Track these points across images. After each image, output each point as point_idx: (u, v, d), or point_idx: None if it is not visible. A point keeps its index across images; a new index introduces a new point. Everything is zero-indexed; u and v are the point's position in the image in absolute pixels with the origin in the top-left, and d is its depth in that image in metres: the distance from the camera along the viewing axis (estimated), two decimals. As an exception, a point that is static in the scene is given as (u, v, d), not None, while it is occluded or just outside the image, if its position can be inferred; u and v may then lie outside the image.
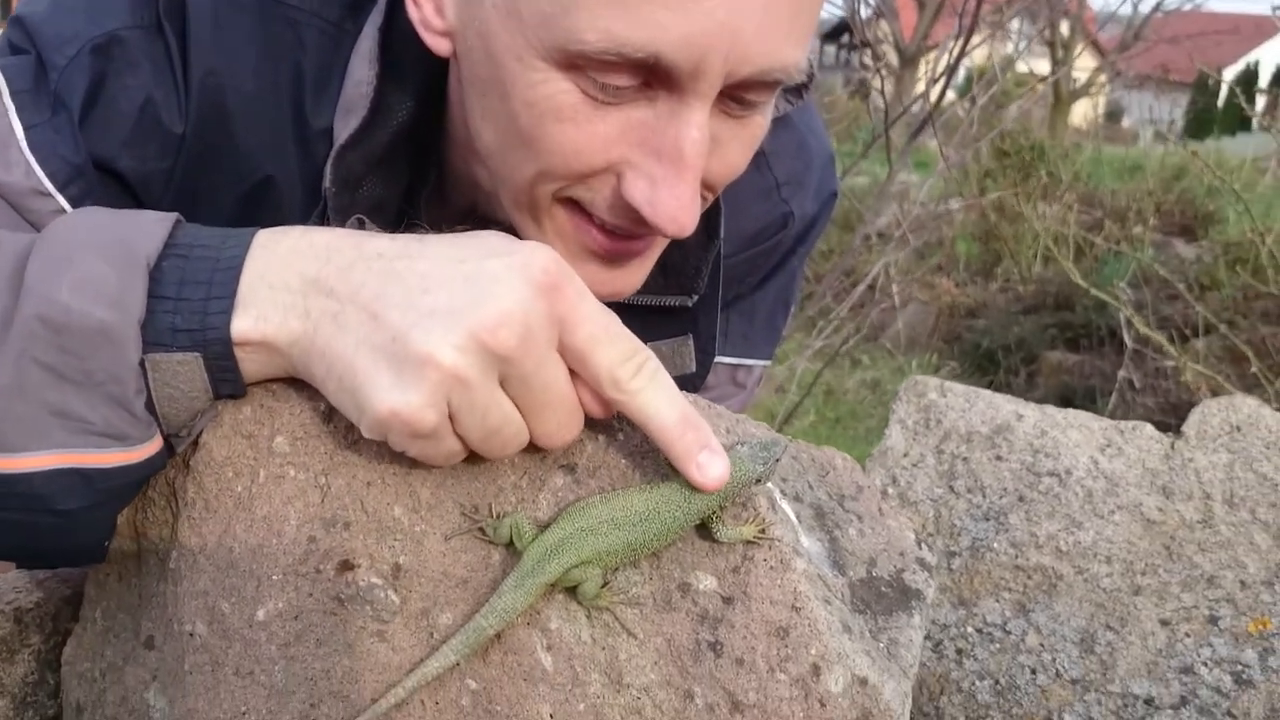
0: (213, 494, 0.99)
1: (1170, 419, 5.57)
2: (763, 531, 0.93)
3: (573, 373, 0.90)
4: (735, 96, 1.03)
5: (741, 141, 1.10)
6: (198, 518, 0.99)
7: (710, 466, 0.89)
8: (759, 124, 1.10)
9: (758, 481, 0.93)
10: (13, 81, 1.13)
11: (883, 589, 1.00)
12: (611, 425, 0.98)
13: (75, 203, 1.12)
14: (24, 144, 1.10)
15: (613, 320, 0.89)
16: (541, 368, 0.87)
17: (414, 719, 0.93)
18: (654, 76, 0.98)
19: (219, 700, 0.94)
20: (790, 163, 1.44)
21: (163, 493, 1.03)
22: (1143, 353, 5.94)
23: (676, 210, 1.03)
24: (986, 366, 7.44)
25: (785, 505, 0.98)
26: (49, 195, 1.11)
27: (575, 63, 0.98)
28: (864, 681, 0.90)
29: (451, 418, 0.87)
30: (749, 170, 1.16)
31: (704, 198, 1.14)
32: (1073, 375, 6.76)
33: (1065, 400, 6.50)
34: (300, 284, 0.90)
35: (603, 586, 0.92)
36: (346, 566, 0.94)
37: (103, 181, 1.15)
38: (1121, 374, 6.05)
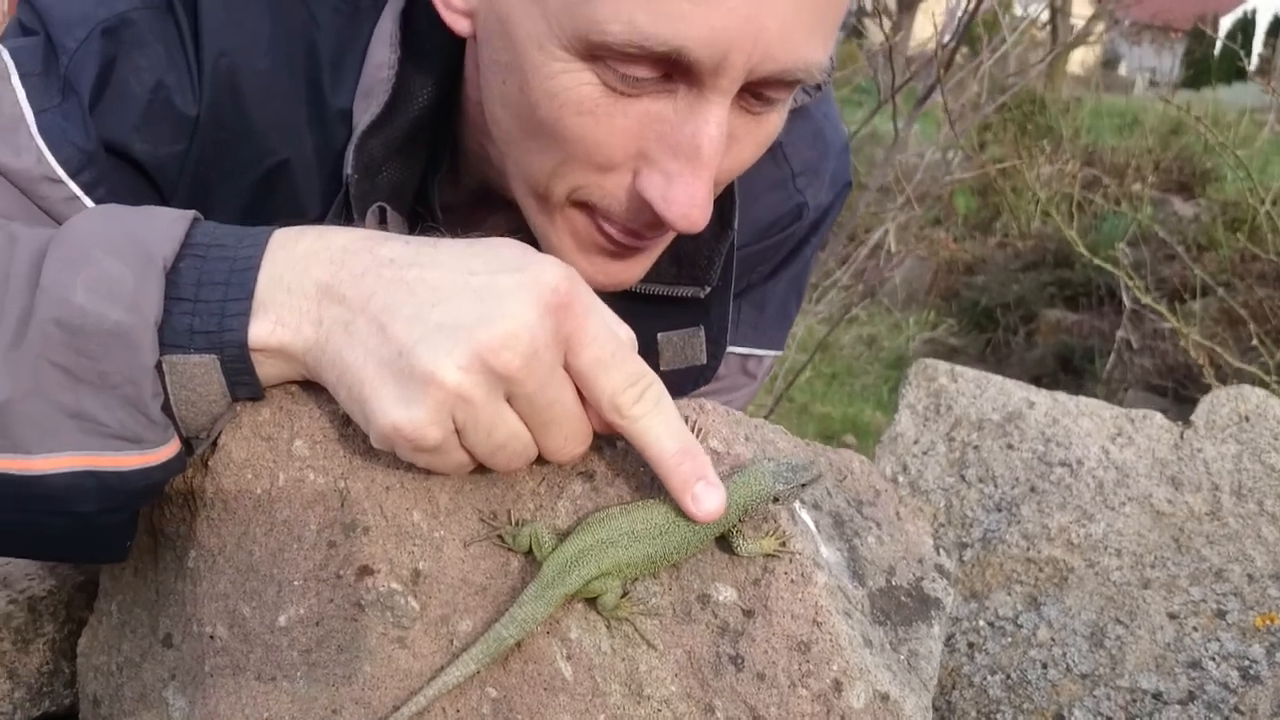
0: (232, 495, 0.98)
1: (1167, 382, 5.59)
2: (783, 544, 0.93)
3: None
4: (755, 93, 1.02)
5: (755, 139, 1.09)
6: (217, 519, 0.99)
7: (705, 499, 0.88)
8: (774, 122, 1.09)
9: (775, 500, 0.92)
10: (22, 64, 1.11)
11: (902, 599, 1.00)
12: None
13: (88, 189, 1.11)
14: (34, 129, 1.09)
15: (620, 344, 0.88)
16: (546, 388, 0.86)
17: (434, 726, 0.93)
18: (675, 70, 0.97)
19: (241, 704, 0.95)
20: (806, 153, 1.43)
21: (180, 490, 1.03)
22: (1141, 313, 5.94)
23: (689, 207, 1.02)
24: (985, 324, 7.43)
25: (805, 515, 0.98)
26: (61, 182, 1.09)
27: (596, 53, 0.96)
28: (885, 697, 0.90)
29: (458, 432, 0.87)
30: (765, 160, 1.15)
31: None
32: (1071, 335, 6.75)
33: (1063, 360, 6.51)
34: (315, 290, 0.89)
35: (622, 597, 0.92)
36: (366, 572, 0.94)
37: (116, 167, 1.14)
38: (1120, 334, 6.05)
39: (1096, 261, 3.86)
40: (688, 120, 0.99)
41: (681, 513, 0.90)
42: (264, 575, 0.96)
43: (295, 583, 0.95)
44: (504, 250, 0.90)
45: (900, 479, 1.52)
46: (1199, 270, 5.43)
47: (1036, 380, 6.65)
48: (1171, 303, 5.87)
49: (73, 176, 1.09)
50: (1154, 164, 9.34)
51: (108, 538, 0.99)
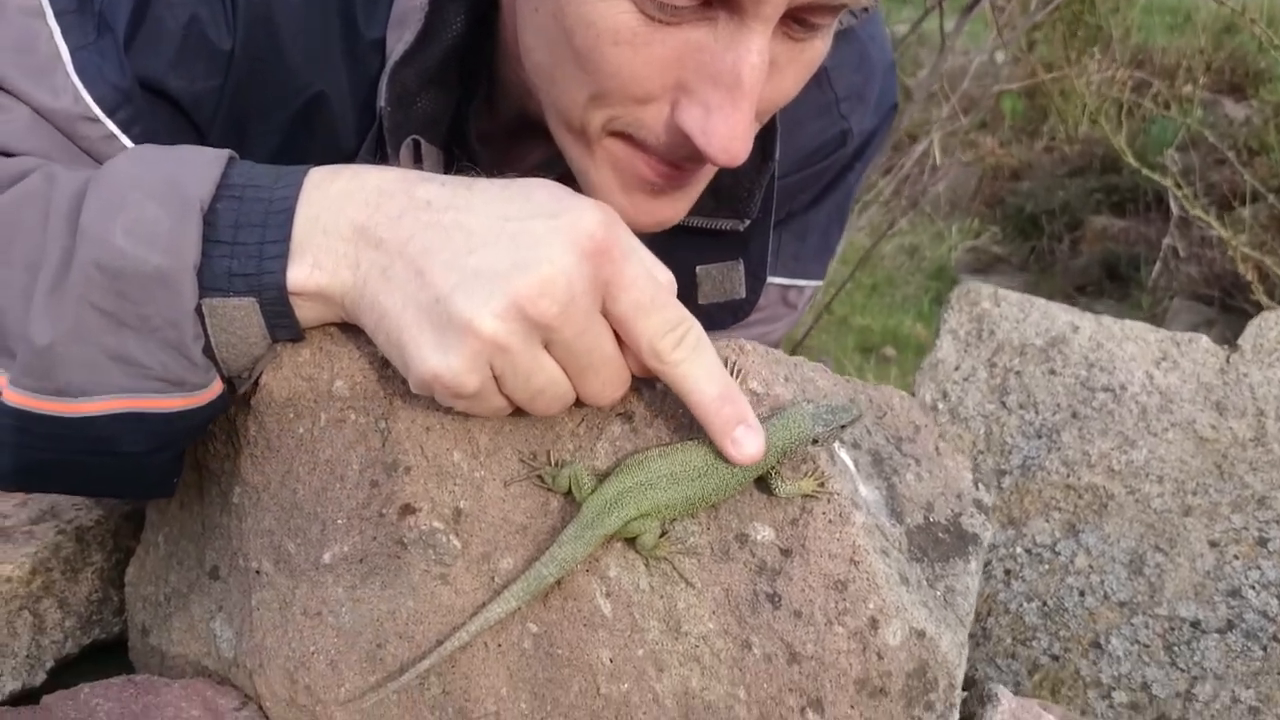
0: (274, 434, 1.00)
1: (1214, 291, 5.51)
2: (821, 485, 0.93)
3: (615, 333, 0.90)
4: (799, 19, 1.00)
5: (798, 66, 1.06)
6: (260, 456, 1.01)
7: (745, 443, 0.88)
8: (818, 49, 1.06)
9: (814, 442, 0.92)
10: (57, 1, 1.10)
11: (940, 535, 1.01)
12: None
13: (125, 127, 1.11)
14: (70, 68, 1.08)
15: (659, 288, 0.88)
16: (584, 334, 0.86)
17: (478, 660, 0.95)
18: None
19: (287, 638, 0.97)
20: (851, 77, 1.40)
21: (223, 427, 1.04)
22: (1189, 220, 5.84)
23: (729, 139, 1.00)
24: (1029, 232, 7.28)
25: (844, 455, 0.98)
26: (98, 121, 1.09)
27: None
28: (921, 634, 0.91)
29: (496, 379, 0.87)
30: (808, 85, 1.12)
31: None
32: (1117, 242, 6.62)
33: (1109, 268, 6.41)
34: (351, 232, 0.89)
35: (661, 536, 0.93)
36: (408, 510, 0.95)
37: (152, 104, 1.13)
38: (1166, 242, 5.96)
39: (1145, 172, 3.78)
40: (728, 49, 0.97)
41: (721, 455, 0.91)
42: (308, 513, 0.98)
43: (339, 521, 0.96)
44: (539, 193, 0.89)
45: (940, 406, 1.51)
46: (1249, 176, 5.33)
47: (1081, 289, 6.55)
48: (1220, 209, 5.77)
49: (109, 115, 1.09)
50: (1205, 65, 9.10)
51: (155, 476, 1.01)
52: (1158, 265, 5.90)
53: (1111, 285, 6.29)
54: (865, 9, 1.27)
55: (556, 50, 1.03)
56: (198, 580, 1.08)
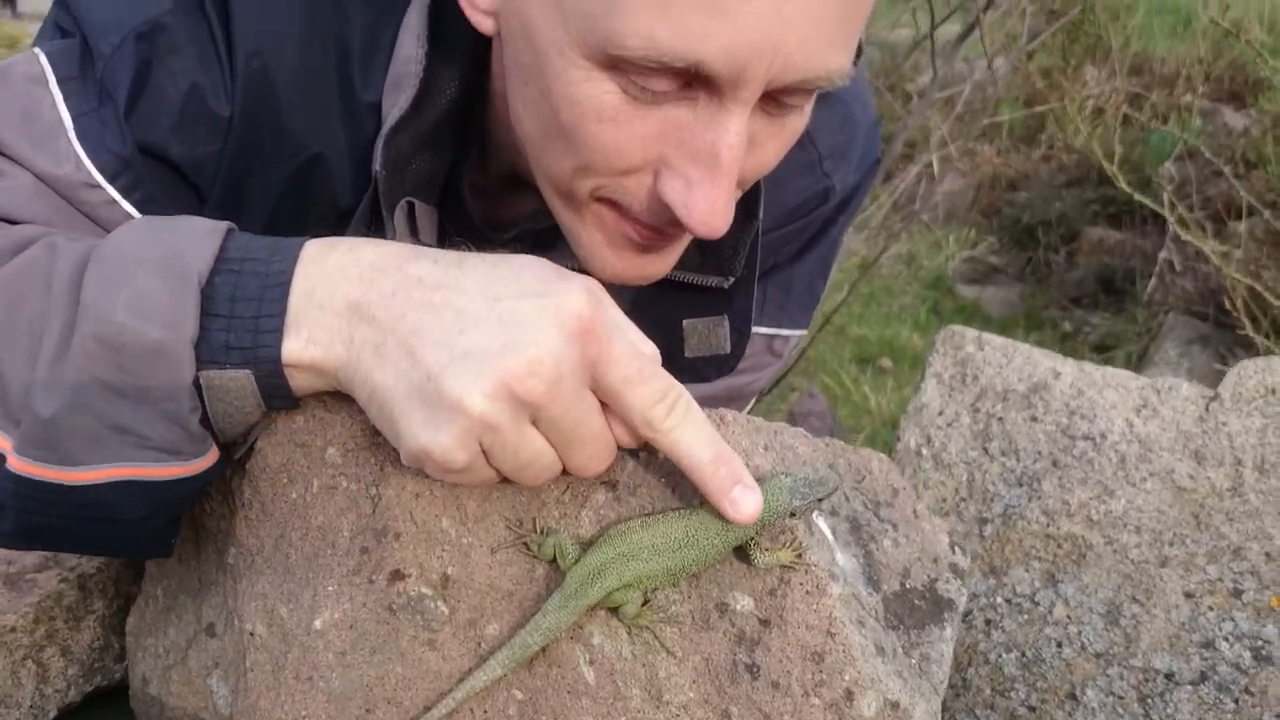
0: (268, 498, 1.02)
1: (1208, 307, 5.53)
2: (799, 556, 0.95)
3: (605, 405, 0.92)
4: (776, 99, 1.03)
5: (777, 141, 1.10)
6: (255, 519, 1.03)
7: (743, 502, 0.92)
8: (797, 123, 1.10)
9: (792, 515, 0.95)
10: (59, 68, 1.13)
11: (916, 601, 1.03)
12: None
13: (125, 193, 1.13)
14: (72, 135, 1.11)
15: (645, 360, 0.91)
16: (570, 411, 0.89)
17: (464, 724, 0.97)
18: (696, 80, 0.97)
19: (280, 701, 0.99)
20: (833, 136, 1.43)
21: (219, 489, 1.07)
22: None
23: (709, 214, 1.03)
24: (1026, 242, 7.28)
25: (822, 524, 1.01)
26: (99, 187, 1.12)
27: (616, 64, 0.97)
28: (895, 705, 0.94)
29: (485, 453, 0.90)
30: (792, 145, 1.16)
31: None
32: (1113, 255, 6.62)
33: (1105, 281, 6.43)
34: (345, 307, 0.92)
35: (643, 605, 0.95)
36: (398, 576, 0.98)
37: (153, 169, 1.16)
38: (1162, 256, 5.98)
39: (1138, 197, 3.81)
40: (708, 129, 1.00)
41: (700, 527, 0.93)
42: (300, 579, 1.00)
43: (330, 588, 0.99)
44: (528, 273, 0.92)
45: (924, 451, 1.54)
46: (1244, 191, 5.35)
47: (1076, 301, 6.53)
48: (1218, 222, 5.79)
49: (110, 181, 1.12)
50: (1205, 74, 9.11)
51: (152, 539, 1.04)
52: (1153, 280, 5.91)
53: (1106, 298, 6.30)
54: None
55: (544, 123, 1.06)
56: (195, 636, 1.11)
